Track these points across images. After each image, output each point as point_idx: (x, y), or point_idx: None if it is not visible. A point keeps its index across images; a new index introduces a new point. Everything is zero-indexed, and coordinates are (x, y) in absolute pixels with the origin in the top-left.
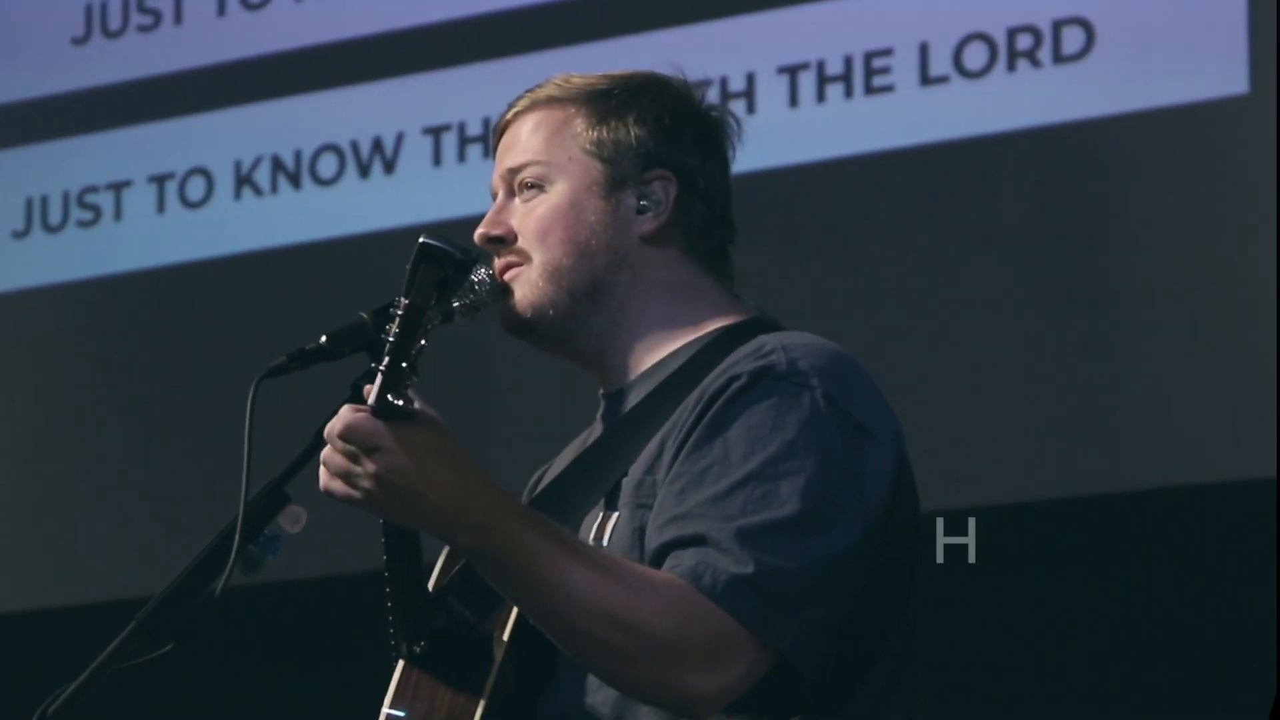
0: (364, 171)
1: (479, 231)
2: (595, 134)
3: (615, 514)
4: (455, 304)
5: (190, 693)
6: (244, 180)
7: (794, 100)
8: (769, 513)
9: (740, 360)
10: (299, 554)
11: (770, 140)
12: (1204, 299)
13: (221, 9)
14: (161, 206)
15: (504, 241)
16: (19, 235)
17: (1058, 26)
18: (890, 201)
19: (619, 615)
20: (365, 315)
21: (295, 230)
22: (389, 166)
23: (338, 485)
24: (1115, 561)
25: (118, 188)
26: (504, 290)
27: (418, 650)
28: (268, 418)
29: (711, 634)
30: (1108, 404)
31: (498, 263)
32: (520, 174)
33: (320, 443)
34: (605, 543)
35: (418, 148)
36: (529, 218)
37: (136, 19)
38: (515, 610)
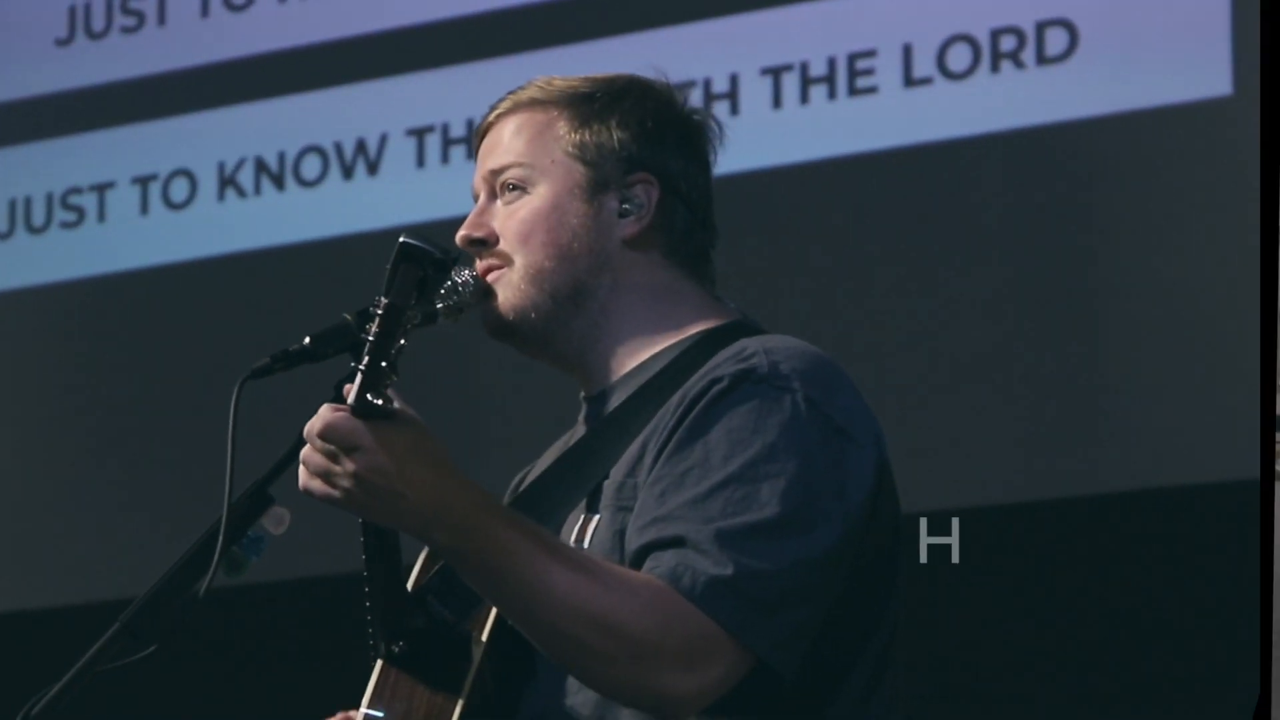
0: (347, 173)
1: (461, 233)
2: (578, 137)
3: (596, 516)
4: (439, 305)
5: (171, 693)
6: (227, 181)
7: (777, 101)
8: (749, 515)
9: (722, 363)
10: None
11: (753, 142)
12: (1188, 300)
13: (205, 10)
14: (145, 208)
15: (486, 244)
16: (2, 237)
17: (1041, 28)
18: (874, 203)
19: (598, 616)
20: (348, 316)
21: (279, 231)
22: (372, 168)
23: (317, 484)
24: (1099, 562)
25: (101, 189)
26: (487, 292)
27: (396, 650)
28: (251, 419)
29: (690, 635)
30: (1092, 405)
31: (479, 265)
32: (502, 176)
33: (303, 444)
34: (586, 545)
35: (401, 149)
36: (511, 220)
37: (120, 20)
38: (494, 610)
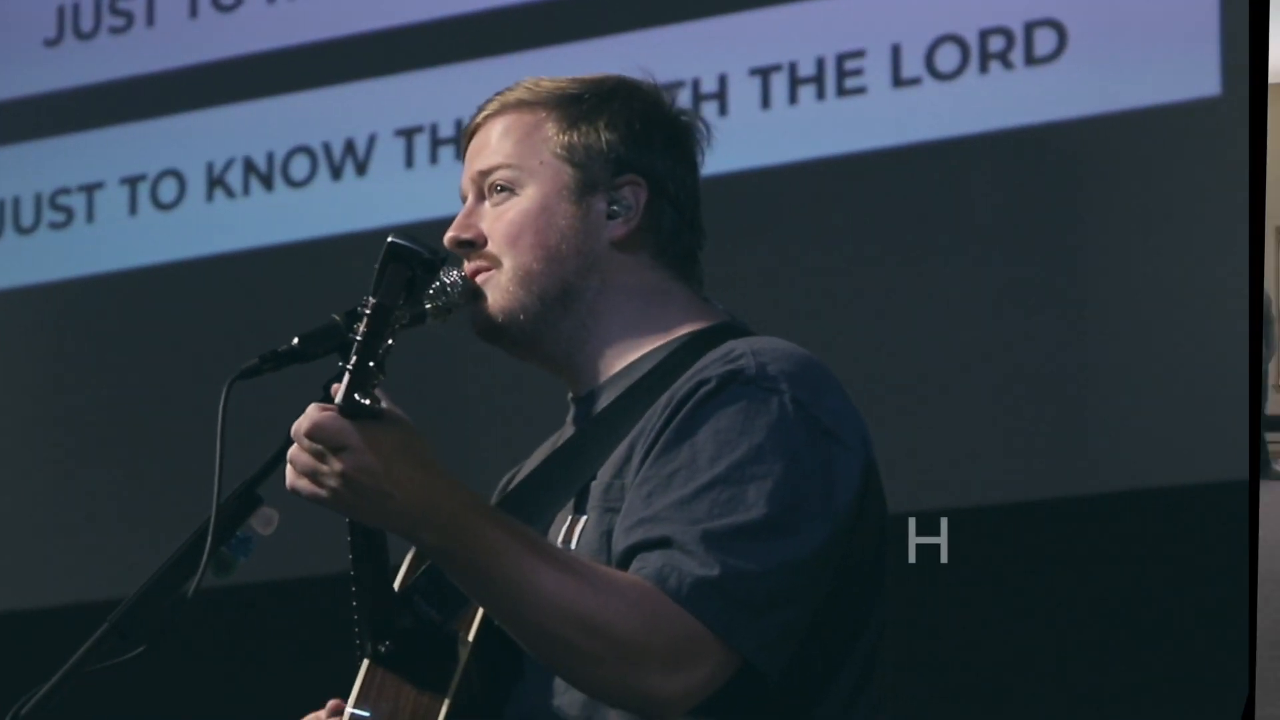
0: (336, 173)
1: (449, 235)
2: (566, 138)
3: (583, 517)
4: (427, 306)
5: (160, 694)
6: (216, 182)
7: (766, 102)
8: (735, 516)
9: (709, 365)
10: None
11: (742, 142)
12: (1176, 300)
13: (194, 11)
14: (134, 208)
15: (474, 245)
16: None
17: (1030, 28)
18: (862, 204)
19: (584, 617)
20: (337, 317)
21: (267, 232)
22: (361, 168)
23: (304, 484)
24: (1088, 562)
25: (90, 189)
26: (476, 293)
27: (383, 650)
28: (240, 420)
29: (676, 636)
30: (1080, 405)
31: (468, 266)
32: (490, 177)
33: (291, 444)
34: (573, 545)
35: (390, 149)
36: (499, 222)
37: (109, 20)
38: (481, 611)
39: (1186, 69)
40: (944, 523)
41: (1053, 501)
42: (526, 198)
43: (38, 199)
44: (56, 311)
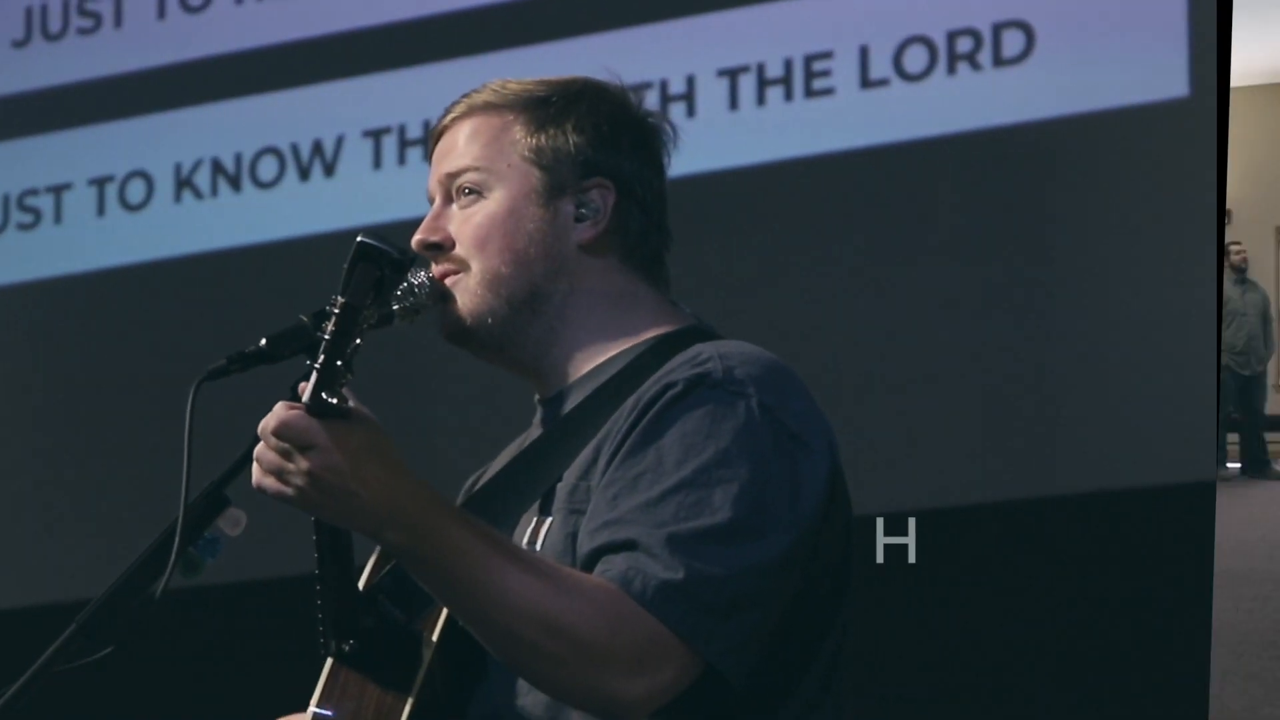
0: (304, 174)
1: (416, 238)
2: (534, 141)
3: (549, 519)
4: (395, 306)
5: (127, 694)
6: (184, 183)
7: (734, 103)
8: (701, 520)
9: (676, 368)
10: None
11: (710, 143)
12: (1145, 301)
13: (161, 12)
14: (102, 209)
15: (441, 248)
16: None
17: (998, 30)
18: (830, 204)
19: (548, 618)
20: (305, 318)
21: (235, 233)
22: (329, 169)
23: (270, 482)
24: (1056, 563)
25: (58, 190)
26: (444, 295)
27: (347, 649)
28: (207, 421)
29: (640, 639)
30: (1048, 406)
31: (435, 269)
32: (458, 180)
33: (258, 443)
34: (538, 547)
35: (358, 150)
36: (467, 225)
37: (77, 21)
38: (445, 611)
39: (1154, 70)
40: (912, 523)
41: (1021, 502)
42: (494, 201)
43: (5, 200)
44: (24, 313)
